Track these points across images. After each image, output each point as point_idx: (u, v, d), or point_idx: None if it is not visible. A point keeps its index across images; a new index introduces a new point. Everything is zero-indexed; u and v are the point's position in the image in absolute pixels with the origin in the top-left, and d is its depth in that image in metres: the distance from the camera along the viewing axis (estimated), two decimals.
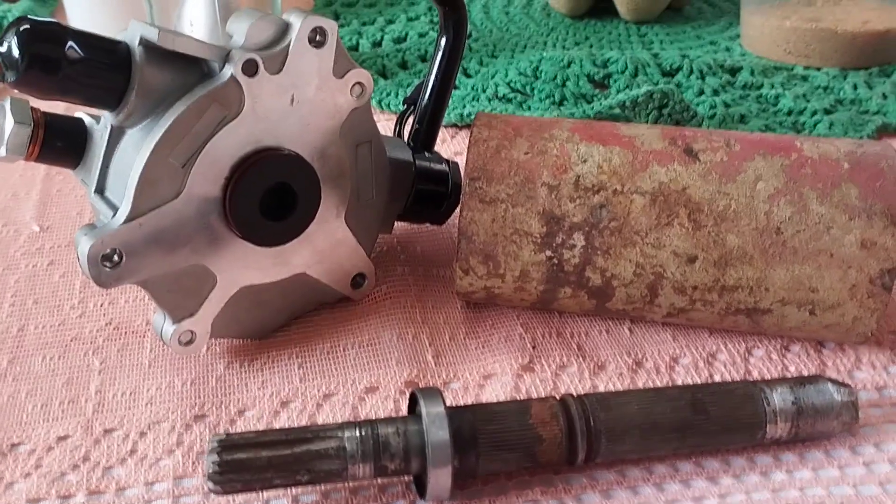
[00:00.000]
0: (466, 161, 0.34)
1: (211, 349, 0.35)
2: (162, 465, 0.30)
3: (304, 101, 0.33)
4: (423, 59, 0.65)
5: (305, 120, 0.33)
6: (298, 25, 0.32)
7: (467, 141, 0.53)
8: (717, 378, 0.34)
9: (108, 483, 0.29)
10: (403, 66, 0.65)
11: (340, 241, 0.36)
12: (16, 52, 0.28)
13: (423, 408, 0.28)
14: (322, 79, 0.33)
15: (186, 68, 0.31)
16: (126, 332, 0.37)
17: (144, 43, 0.30)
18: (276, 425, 0.32)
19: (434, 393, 0.29)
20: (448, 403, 0.30)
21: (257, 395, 0.33)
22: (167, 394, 0.33)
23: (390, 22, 0.74)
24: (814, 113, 0.55)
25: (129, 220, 0.30)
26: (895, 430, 0.32)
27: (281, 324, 0.37)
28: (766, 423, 0.30)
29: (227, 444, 0.27)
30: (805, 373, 0.35)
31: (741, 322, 0.34)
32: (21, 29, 0.29)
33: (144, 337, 0.36)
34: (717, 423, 0.30)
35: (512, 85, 0.58)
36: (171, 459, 0.30)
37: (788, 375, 0.34)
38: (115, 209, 0.31)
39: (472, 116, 0.54)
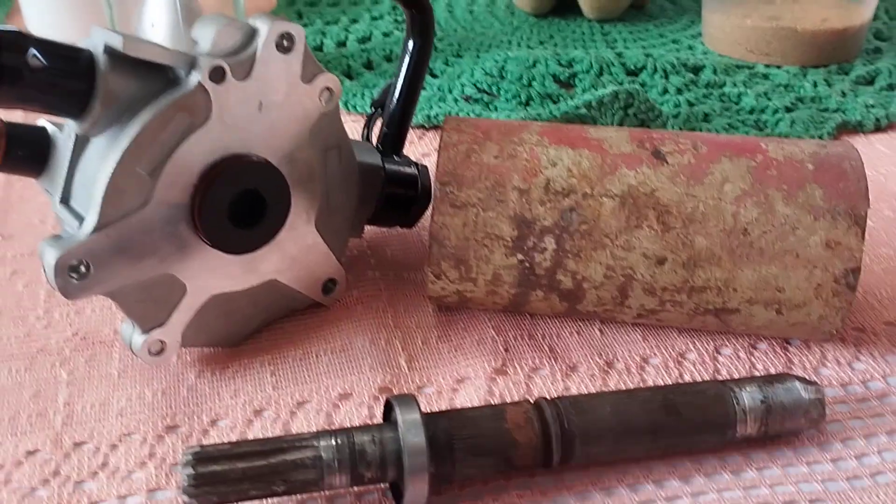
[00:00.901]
0: (437, 165, 0.34)
1: (181, 358, 0.35)
2: (135, 478, 0.30)
3: (272, 107, 0.33)
4: (389, 60, 0.65)
5: (274, 126, 0.33)
6: (266, 31, 0.31)
7: (436, 143, 0.53)
8: (688, 377, 0.35)
9: (79, 497, 0.29)
10: (369, 66, 0.65)
11: (311, 246, 0.36)
12: None
13: (399, 415, 0.28)
14: (290, 84, 0.33)
15: (151, 75, 0.30)
16: (93, 343, 0.36)
17: (108, 50, 0.29)
18: (250, 435, 0.32)
19: (409, 400, 0.29)
20: (423, 409, 0.30)
21: (230, 403, 0.33)
22: (138, 405, 0.33)
23: (354, 21, 0.73)
24: (775, 111, 0.56)
25: (95, 230, 0.29)
26: (861, 426, 0.32)
27: (252, 331, 0.36)
28: (736, 423, 0.30)
29: (202, 457, 0.27)
30: (772, 370, 0.35)
31: (710, 322, 0.35)
32: None
33: (112, 347, 0.36)
34: (689, 424, 0.30)
35: (478, 85, 0.58)
36: (143, 472, 0.30)
37: (756, 373, 0.35)
38: (80, 219, 0.30)
39: (440, 118, 0.54)
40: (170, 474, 0.30)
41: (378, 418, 0.33)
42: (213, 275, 0.33)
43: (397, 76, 0.40)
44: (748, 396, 0.31)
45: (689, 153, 0.34)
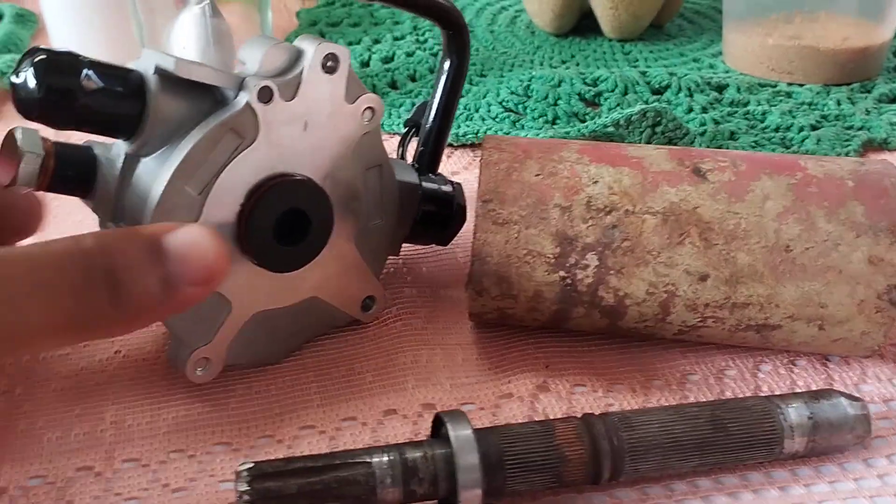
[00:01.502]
0: (479, 183, 0.34)
1: (226, 376, 0.35)
2: (186, 495, 0.30)
3: (316, 127, 0.33)
4: (413, 79, 0.66)
5: (318, 145, 0.33)
6: (312, 52, 0.32)
7: (464, 161, 0.54)
8: (729, 393, 0.35)
9: None
10: (393, 86, 0.65)
11: (351, 264, 0.36)
12: (32, 83, 0.28)
13: (451, 431, 0.28)
14: (334, 104, 0.33)
15: (200, 96, 0.31)
16: (137, 360, 0.36)
17: (159, 72, 0.30)
18: (298, 450, 0.32)
19: (460, 416, 0.29)
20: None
21: (277, 420, 0.33)
22: (185, 421, 0.33)
23: (376, 41, 0.74)
24: (801, 129, 0.56)
25: None
26: None
27: (293, 349, 0.37)
28: (783, 439, 0.30)
29: (257, 473, 0.27)
30: (813, 386, 0.35)
31: (750, 338, 0.35)
32: (37, 59, 0.28)
33: (156, 364, 0.36)
34: (737, 440, 0.30)
35: (504, 104, 0.58)
36: (194, 488, 0.30)
37: (797, 389, 0.35)
38: None
39: (468, 136, 0.55)
40: (221, 491, 0.30)
41: (423, 434, 0.33)
42: (258, 292, 0.34)
43: (433, 95, 0.40)
44: (795, 412, 0.31)
45: (729, 170, 0.34)
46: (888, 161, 0.35)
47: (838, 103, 0.60)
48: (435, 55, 0.69)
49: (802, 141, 0.55)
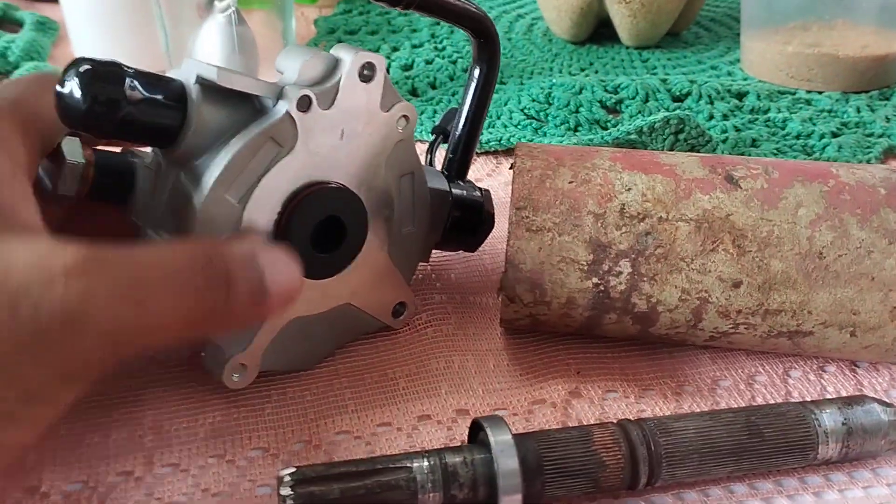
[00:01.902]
0: (512, 191, 0.34)
1: (260, 382, 0.36)
2: (226, 500, 0.30)
3: (353, 136, 0.33)
4: (433, 86, 0.66)
5: (354, 153, 0.34)
6: (349, 61, 0.32)
7: (487, 168, 0.54)
8: (760, 399, 0.35)
9: None
10: (413, 93, 0.66)
11: (383, 272, 0.37)
12: (77, 94, 0.28)
13: (491, 436, 0.28)
14: (370, 113, 0.34)
15: (240, 105, 0.31)
16: (171, 366, 0.37)
17: (201, 81, 0.30)
18: (335, 456, 0.32)
19: (498, 421, 0.29)
20: None
21: (312, 426, 0.33)
22: (223, 426, 0.33)
23: (395, 49, 0.74)
24: (821, 136, 0.56)
25: None
26: None
27: (326, 355, 0.37)
28: (818, 444, 0.31)
29: (300, 478, 0.27)
30: (843, 392, 0.36)
31: (782, 344, 0.35)
32: (82, 69, 0.29)
33: (190, 370, 0.36)
34: (772, 446, 0.30)
35: (526, 111, 0.59)
36: (233, 493, 0.30)
37: (827, 395, 0.35)
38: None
39: (490, 143, 0.55)
40: (259, 496, 0.30)
41: (458, 440, 0.33)
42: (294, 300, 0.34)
43: (463, 102, 0.41)
44: (829, 418, 0.31)
45: (761, 178, 0.34)
46: None
47: (858, 110, 0.60)
48: (454, 63, 0.70)
49: (824, 148, 0.55)
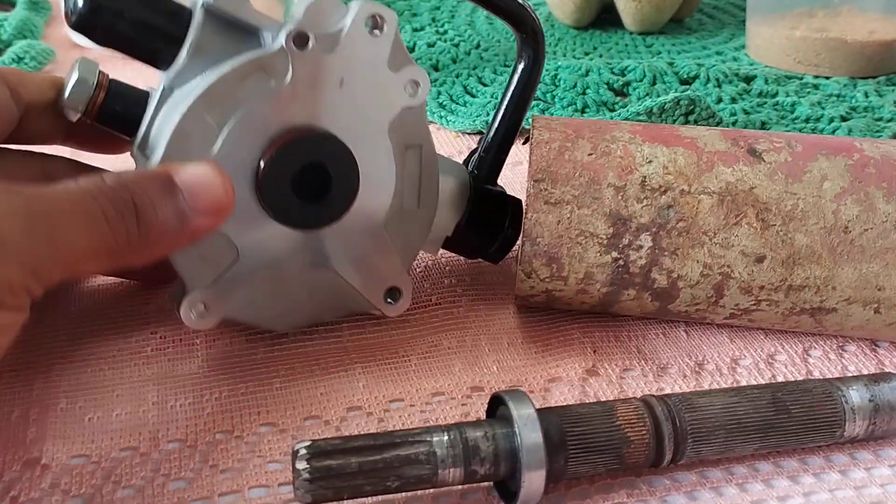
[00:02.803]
0: (530, 163, 0.34)
1: (267, 357, 0.35)
2: (235, 475, 0.29)
3: (354, 87, 0.32)
4: (436, 69, 0.65)
5: (353, 107, 0.32)
6: (357, 8, 0.32)
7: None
8: (780, 378, 0.34)
9: (180, 495, 0.28)
10: None
11: (377, 245, 0.35)
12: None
13: (514, 410, 0.27)
14: (375, 68, 0.32)
15: (243, 39, 0.31)
16: (174, 341, 0.36)
17: (206, 5, 0.31)
18: (347, 432, 0.31)
19: (521, 395, 0.28)
20: None
21: (322, 401, 0.32)
22: (229, 402, 0.32)
23: None
24: (831, 120, 0.56)
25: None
26: None
27: (303, 323, 0.35)
28: (845, 422, 0.30)
29: (316, 451, 0.26)
30: (864, 371, 0.35)
31: (803, 322, 0.34)
32: None
33: (193, 346, 0.35)
34: (799, 422, 0.30)
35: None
36: (243, 469, 0.29)
37: (848, 374, 0.35)
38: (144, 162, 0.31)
39: None
40: (269, 471, 0.29)
41: (473, 416, 0.32)
42: (270, 246, 0.33)
43: (502, 99, 0.38)
44: (856, 395, 0.30)
45: (784, 151, 0.33)
46: None
47: (866, 95, 0.60)
48: (456, 45, 0.69)
49: (834, 132, 0.54)
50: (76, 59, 0.32)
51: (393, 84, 0.33)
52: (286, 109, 0.31)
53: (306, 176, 0.32)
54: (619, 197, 0.33)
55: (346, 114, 0.32)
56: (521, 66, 0.37)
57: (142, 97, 0.32)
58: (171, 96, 0.31)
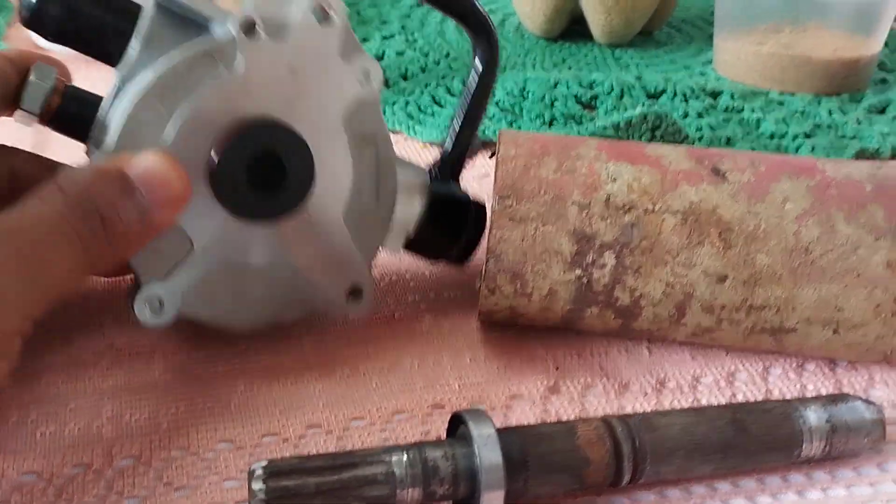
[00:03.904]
0: (495, 179, 0.33)
1: (227, 371, 0.34)
2: (191, 493, 0.29)
3: (304, 76, 0.32)
4: (405, 78, 0.65)
5: (305, 96, 0.32)
6: None
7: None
8: (740, 397, 0.35)
9: None
10: (385, 84, 0.64)
11: (336, 239, 0.34)
12: None
13: (474, 430, 0.27)
14: (326, 57, 0.33)
15: (194, 31, 0.31)
16: (131, 354, 0.35)
17: (157, 1, 0.31)
18: (305, 450, 0.31)
19: (481, 415, 0.28)
20: None
21: (280, 419, 0.32)
22: (186, 417, 0.32)
23: (365, 40, 0.73)
24: (795, 137, 0.56)
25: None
26: None
27: (262, 321, 0.34)
28: (802, 442, 0.30)
29: (273, 471, 0.26)
30: (823, 391, 0.35)
31: (764, 341, 0.34)
32: None
33: (151, 358, 0.35)
34: (757, 443, 0.30)
35: (500, 104, 0.58)
36: (198, 486, 0.29)
37: (807, 394, 0.35)
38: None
39: None
40: (227, 490, 0.29)
41: (434, 435, 0.32)
42: (224, 239, 0.32)
43: (461, 102, 0.39)
44: (814, 416, 0.30)
45: (748, 171, 0.34)
46: None
47: (829, 113, 0.60)
48: (426, 55, 0.69)
49: (797, 149, 0.55)
50: (33, 64, 0.32)
51: (345, 73, 0.33)
52: (238, 99, 0.31)
53: (260, 166, 0.32)
54: (584, 215, 0.33)
55: (298, 103, 0.32)
56: (473, 72, 0.38)
57: (97, 102, 0.32)
58: (122, 90, 0.31)
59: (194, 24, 0.31)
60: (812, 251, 0.32)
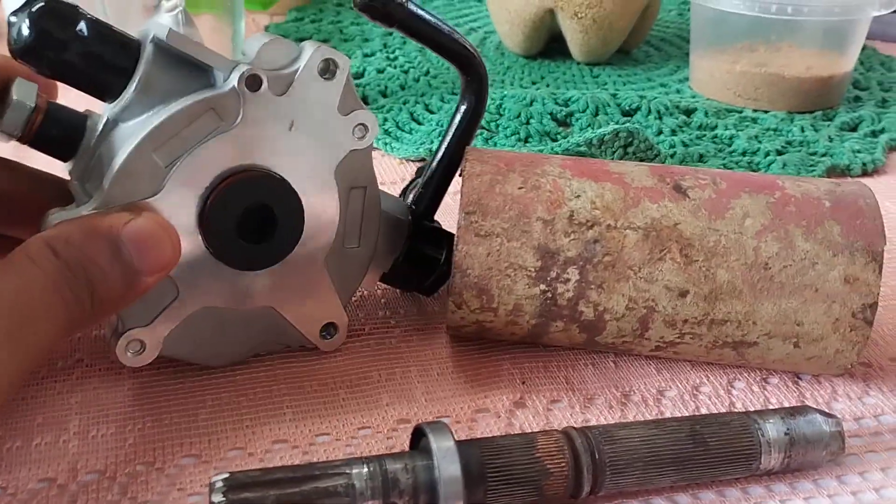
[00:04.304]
0: (461, 195, 0.34)
1: (195, 386, 0.34)
2: None
3: (303, 131, 0.32)
4: (384, 95, 0.65)
5: (302, 150, 0.33)
6: (310, 53, 0.32)
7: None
8: (704, 410, 0.35)
9: None
10: (364, 101, 0.65)
11: (317, 283, 0.35)
12: (26, 25, 0.29)
13: (433, 442, 0.28)
14: (326, 111, 0.33)
15: (193, 75, 0.31)
16: (100, 369, 0.35)
17: (156, 41, 0.30)
18: (270, 464, 0.31)
19: (442, 427, 0.28)
20: None
21: (248, 433, 0.32)
22: (153, 432, 0.32)
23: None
24: (767, 154, 0.57)
25: (99, 207, 0.29)
26: (877, 460, 0.33)
27: (239, 357, 0.35)
28: (761, 454, 0.31)
29: (233, 483, 0.26)
30: (786, 403, 0.36)
31: (726, 355, 0.35)
32: (36, 5, 0.29)
33: (120, 374, 0.35)
34: (716, 455, 0.30)
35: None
36: (162, 502, 0.29)
37: (770, 406, 0.35)
38: (90, 197, 0.30)
39: None
40: None
41: (398, 449, 0.32)
42: (211, 287, 0.33)
43: (444, 137, 0.38)
44: (772, 428, 0.31)
45: (709, 188, 0.34)
46: (862, 183, 0.36)
47: (802, 130, 0.61)
48: (406, 72, 0.69)
49: (769, 165, 0.56)
50: (14, 81, 0.31)
51: (342, 127, 0.33)
52: (234, 150, 0.31)
53: (251, 217, 0.32)
54: (548, 230, 0.33)
55: (294, 156, 0.32)
56: (463, 108, 0.38)
57: (80, 122, 0.31)
58: (115, 129, 0.31)
59: (194, 68, 0.31)
60: (771, 266, 0.33)
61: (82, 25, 0.29)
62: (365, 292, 0.41)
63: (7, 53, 0.30)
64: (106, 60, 0.30)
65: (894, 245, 0.48)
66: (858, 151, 0.58)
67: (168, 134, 0.30)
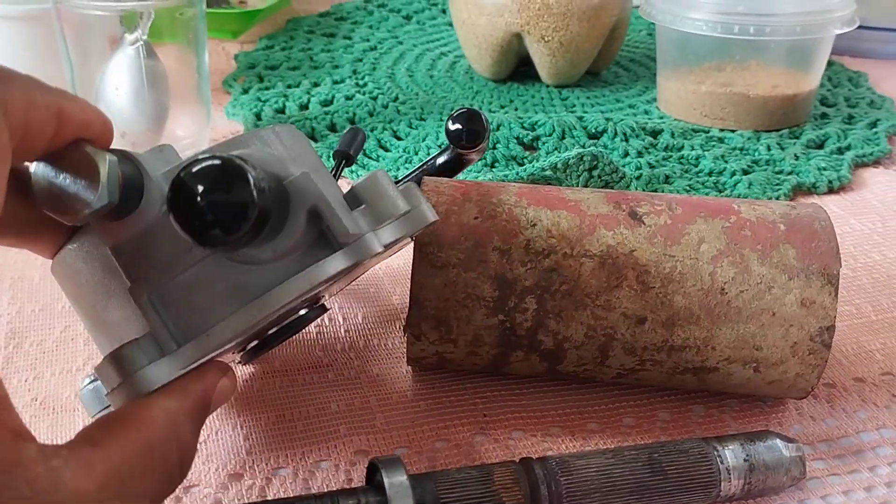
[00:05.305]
0: None
1: None
2: None
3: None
4: (352, 122, 0.65)
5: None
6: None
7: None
8: (665, 437, 0.35)
9: None
10: (332, 128, 0.65)
11: None
12: (206, 212, 0.23)
13: (385, 478, 0.27)
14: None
15: (312, 223, 0.26)
16: (54, 409, 0.35)
17: (312, 210, 0.26)
18: (226, 501, 0.31)
19: (395, 461, 0.28)
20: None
21: (202, 469, 0.32)
22: None
23: (315, 85, 0.74)
24: (733, 173, 0.57)
25: (192, 362, 0.25)
26: (839, 483, 0.33)
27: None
28: (720, 481, 0.30)
29: None
30: (748, 428, 0.36)
31: (688, 381, 0.35)
32: (212, 192, 0.23)
33: (74, 413, 0.35)
34: (674, 483, 0.30)
35: (443, 147, 0.58)
36: None
37: (731, 431, 0.35)
38: (168, 333, 0.26)
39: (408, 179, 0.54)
40: None
41: (356, 482, 0.32)
42: None
43: (422, 164, 0.42)
44: (731, 455, 0.31)
45: (664, 214, 0.34)
46: (818, 205, 0.36)
47: (768, 148, 0.62)
48: (374, 98, 0.69)
49: (735, 185, 0.56)
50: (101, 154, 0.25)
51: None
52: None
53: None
54: (504, 260, 0.33)
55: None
56: (443, 158, 0.41)
57: (138, 178, 0.26)
58: (210, 259, 0.26)
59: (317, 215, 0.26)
60: (728, 291, 0.33)
61: (252, 177, 0.23)
62: (327, 322, 0.41)
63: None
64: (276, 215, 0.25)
65: (860, 263, 0.48)
66: (824, 169, 0.58)
67: (272, 317, 0.26)
